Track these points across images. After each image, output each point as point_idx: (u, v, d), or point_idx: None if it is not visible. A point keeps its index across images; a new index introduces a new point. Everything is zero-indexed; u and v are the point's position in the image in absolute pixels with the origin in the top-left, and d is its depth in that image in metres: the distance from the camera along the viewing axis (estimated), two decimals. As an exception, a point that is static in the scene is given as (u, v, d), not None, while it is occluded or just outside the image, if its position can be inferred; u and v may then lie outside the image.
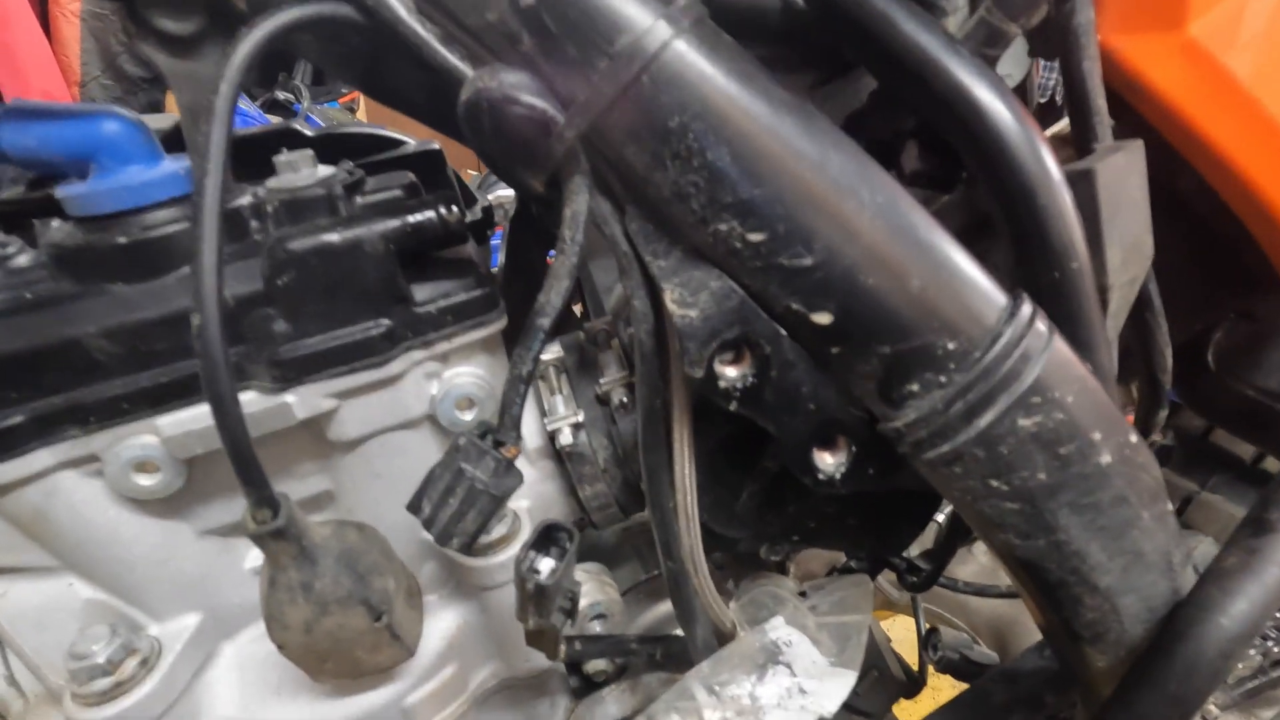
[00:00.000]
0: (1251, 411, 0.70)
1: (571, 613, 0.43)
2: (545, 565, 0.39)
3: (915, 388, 0.37)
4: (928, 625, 0.83)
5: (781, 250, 0.36)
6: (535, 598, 0.38)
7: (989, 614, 1.08)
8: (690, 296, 0.38)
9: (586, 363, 0.54)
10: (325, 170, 0.46)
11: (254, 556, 0.50)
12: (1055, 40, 0.45)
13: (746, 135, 0.35)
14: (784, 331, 0.39)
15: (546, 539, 0.40)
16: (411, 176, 0.49)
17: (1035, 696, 0.71)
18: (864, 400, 0.40)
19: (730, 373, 0.40)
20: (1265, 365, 0.72)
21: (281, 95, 3.49)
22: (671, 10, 0.34)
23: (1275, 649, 0.93)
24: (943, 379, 0.37)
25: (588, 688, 0.63)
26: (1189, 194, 0.51)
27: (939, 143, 0.48)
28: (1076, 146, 0.47)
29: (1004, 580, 1.07)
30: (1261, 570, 0.44)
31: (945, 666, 0.83)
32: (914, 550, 0.73)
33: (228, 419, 0.33)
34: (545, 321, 0.39)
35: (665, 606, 0.65)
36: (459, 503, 0.38)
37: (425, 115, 0.46)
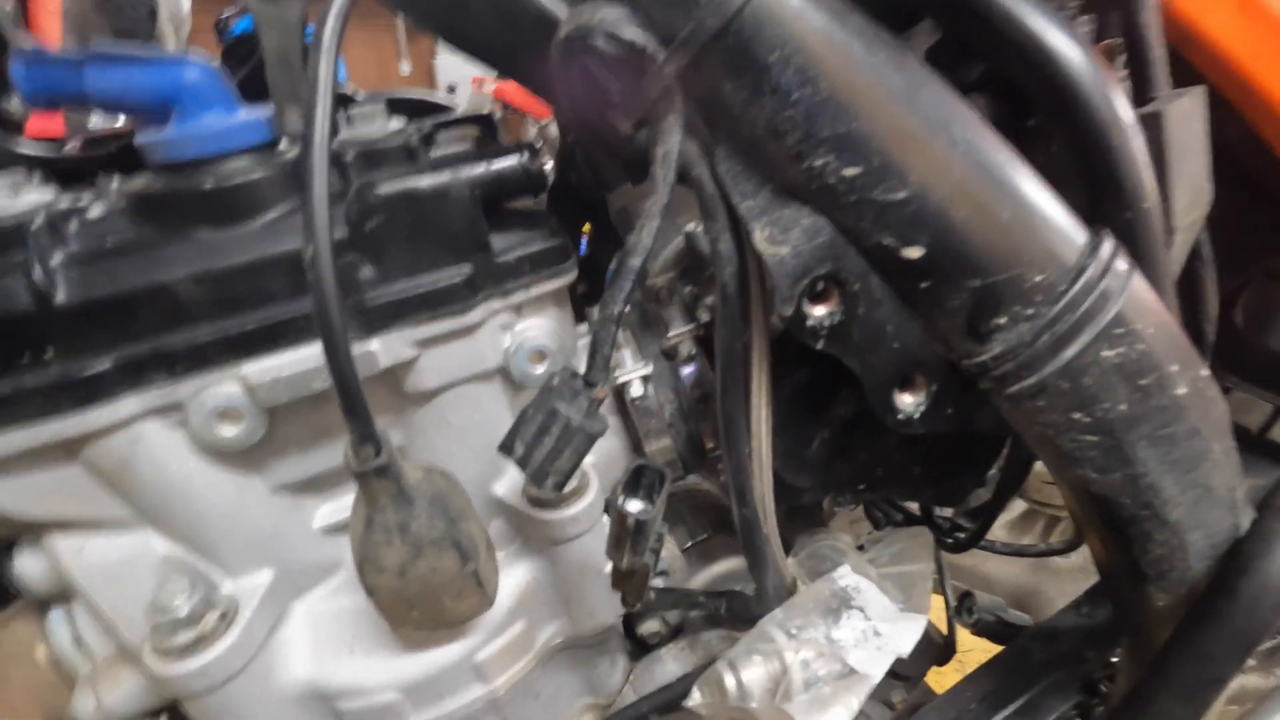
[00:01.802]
0: (1277, 371, 0.72)
1: (657, 554, 0.43)
2: (638, 505, 0.40)
3: (1003, 321, 0.38)
4: (963, 590, 0.85)
5: (876, 184, 0.37)
6: (634, 534, 0.39)
7: (1011, 585, 1.09)
8: (781, 234, 0.39)
9: (648, 319, 0.55)
10: (397, 123, 0.46)
11: (322, 515, 0.50)
12: (1114, -8, 0.47)
13: (843, 70, 0.35)
14: (872, 269, 0.40)
15: (637, 480, 0.40)
16: (478, 131, 0.49)
17: (1075, 653, 0.72)
18: (949, 337, 0.41)
19: (818, 311, 0.40)
20: (1287, 329, 0.74)
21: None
22: (772, -54, 0.35)
23: (1292, 609, 0.96)
24: (1030, 311, 0.38)
25: (642, 650, 0.63)
26: (1235, 145, 0.52)
27: (1004, 93, 0.49)
28: (1135, 95, 0.48)
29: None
30: (1318, 504, 0.46)
31: (981, 629, 0.84)
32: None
33: (338, 352, 0.33)
34: (636, 261, 0.39)
35: (718, 567, 0.65)
36: (554, 441, 0.38)
37: (502, 63, 0.46)
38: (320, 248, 0.32)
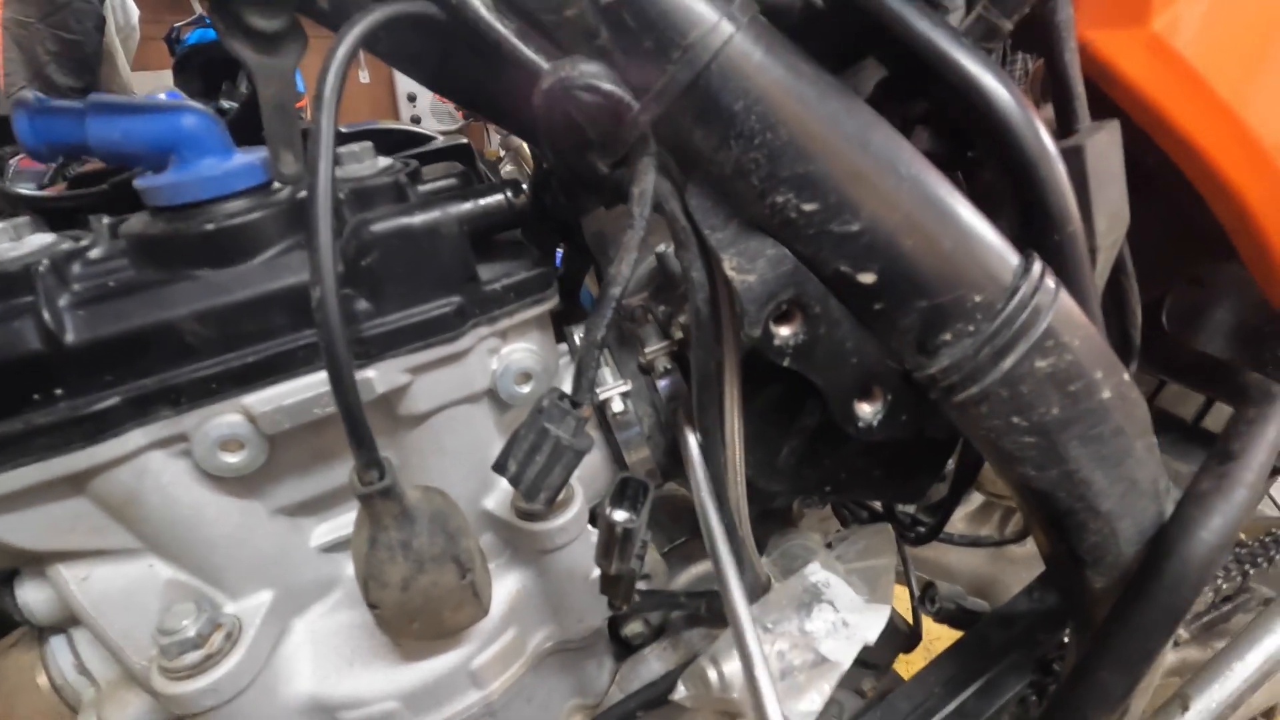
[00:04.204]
0: (1202, 367, 0.79)
1: (642, 559, 0.46)
2: (624, 514, 0.43)
3: (948, 337, 0.43)
4: (926, 580, 0.90)
5: (832, 218, 0.41)
6: (622, 541, 0.42)
7: (970, 574, 1.15)
8: (748, 264, 0.43)
9: (625, 338, 0.58)
10: (384, 161, 0.49)
11: (319, 534, 0.52)
12: (1039, 34, 0.52)
13: (801, 117, 0.39)
14: (831, 293, 0.44)
15: (623, 491, 0.44)
16: (461, 166, 0.52)
17: (1029, 635, 0.78)
18: (900, 352, 0.45)
19: (784, 332, 0.44)
20: (1208, 329, 0.81)
21: (226, 104, 3.42)
22: (732, 8, 0.38)
23: (1224, 585, 1.03)
24: (971, 328, 0.42)
25: (626, 651, 0.67)
26: (1152, 169, 0.58)
27: (945, 128, 0.53)
28: (1059, 128, 0.53)
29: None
30: (1231, 491, 0.51)
31: (944, 617, 0.89)
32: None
33: (344, 383, 0.36)
34: (617, 290, 0.42)
35: (696, 569, 0.68)
36: (545, 459, 0.41)
37: (484, 109, 0.49)
38: (326, 291, 0.35)
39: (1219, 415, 1.09)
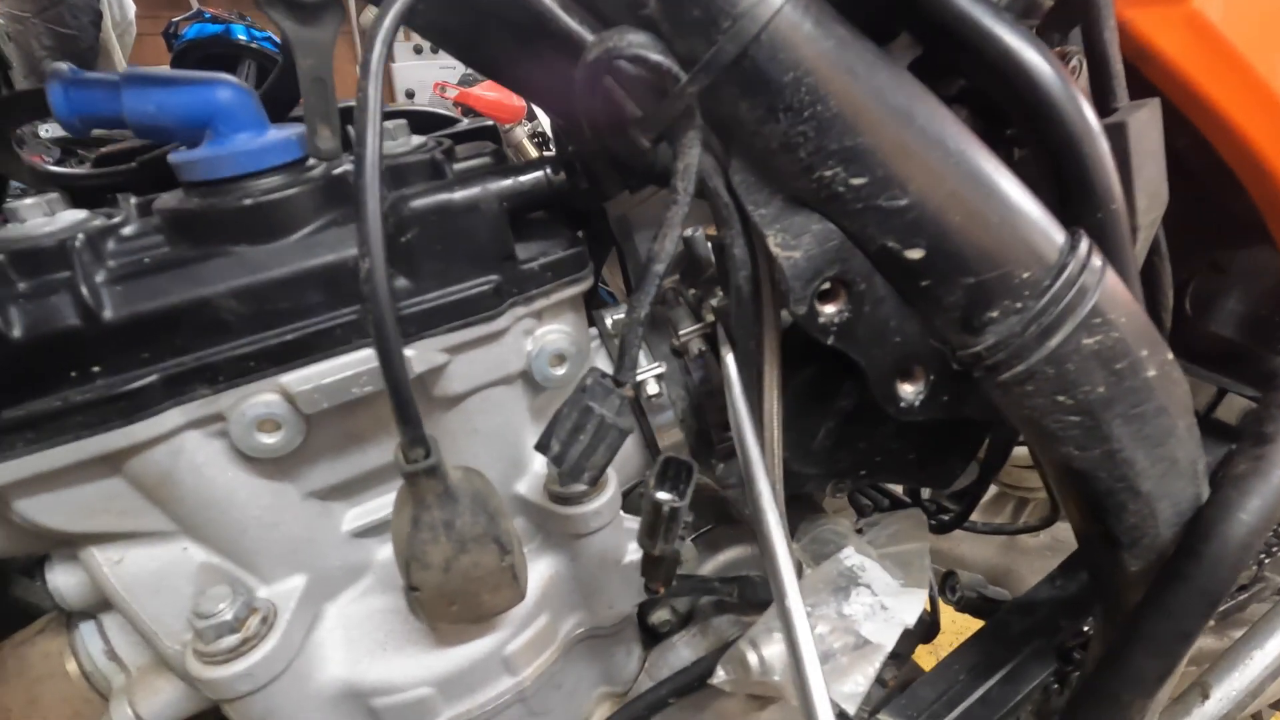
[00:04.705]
0: (1224, 353, 0.79)
1: (684, 540, 0.45)
2: (669, 494, 0.42)
3: (995, 314, 0.42)
4: (945, 570, 0.90)
5: (880, 193, 0.40)
6: (667, 522, 0.41)
7: (983, 565, 1.15)
8: (793, 240, 0.42)
9: (657, 321, 0.58)
10: (419, 138, 0.48)
11: (350, 518, 0.51)
12: (1077, 12, 0.51)
13: (850, 89, 0.39)
14: (876, 270, 0.43)
15: (665, 472, 0.43)
16: (494, 145, 0.51)
17: (1051, 623, 0.77)
18: (946, 331, 0.45)
19: (829, 309, 0.44)
20: (1231, 314, 0.81)
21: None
22: (782, -22, 0.38)
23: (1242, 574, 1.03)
24: (1019, 305, 0.42)
25: (653, 639, 0.66)
26: (1184, 150, 0.57)
27: (983, 106, 0.53)
28: (1098, 106, 0.53)
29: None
30: (1269, 472, 0.51)
31: (965, 605, 0.89)
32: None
33: (391, 357, 0.35)
34: (660, 267, 0.42)
35: (723, 556, 0.68)
36: (589, 438, 0.40)
37: (514, 83, 0.48)
38: (375, 262, 0.34)
39: (1230, 407, 1.09)
